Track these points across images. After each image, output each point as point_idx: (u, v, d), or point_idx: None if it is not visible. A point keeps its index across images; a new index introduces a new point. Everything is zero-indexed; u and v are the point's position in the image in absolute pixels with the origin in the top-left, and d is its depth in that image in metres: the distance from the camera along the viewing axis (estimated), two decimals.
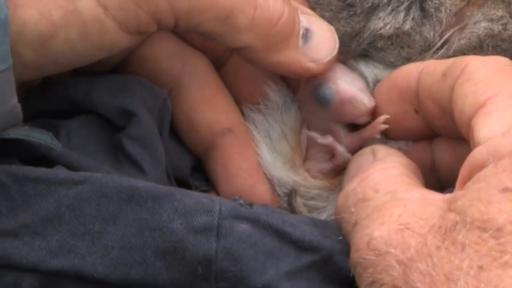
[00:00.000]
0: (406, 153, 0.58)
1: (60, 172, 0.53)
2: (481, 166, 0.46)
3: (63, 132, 0.59)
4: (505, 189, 0.44)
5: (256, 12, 0.56)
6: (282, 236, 0.52)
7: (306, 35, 0.59)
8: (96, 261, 0.50)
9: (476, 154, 0.46)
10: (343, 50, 0.61)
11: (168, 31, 0.59)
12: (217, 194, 0.62)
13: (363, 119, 0.60)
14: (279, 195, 0.63)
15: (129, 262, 0.50)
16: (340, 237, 0.52)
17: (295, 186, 0.62)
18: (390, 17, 0.60)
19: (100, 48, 0.55)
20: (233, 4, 0.55)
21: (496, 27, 0.59)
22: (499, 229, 0.42)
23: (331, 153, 0.62)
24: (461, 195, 0.45)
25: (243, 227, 0.51)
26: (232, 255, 0.50)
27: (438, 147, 0.58)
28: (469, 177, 0.46)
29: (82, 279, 0.51)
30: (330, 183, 0.62)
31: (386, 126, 0.59)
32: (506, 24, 0.59)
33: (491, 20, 0.59)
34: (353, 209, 0.50)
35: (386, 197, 0.49)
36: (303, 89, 0.61)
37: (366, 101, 0.60)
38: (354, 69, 0.62)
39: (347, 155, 0.61)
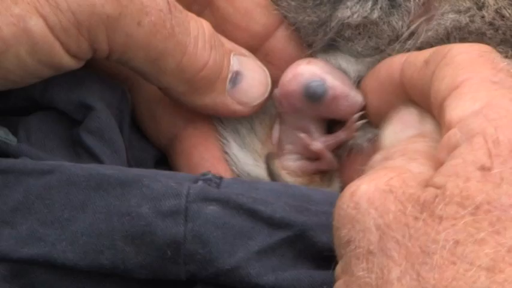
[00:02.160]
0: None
1: (28, 162, 0.55)
2: (455, 148, 0.48)
3: (22, 129, 0.61)
4: (483, 168, 0.46)
5: (184, 59, 0.60)
6: (252, 214, 0.54)
7: (236, 78, 0.62)
8: (66, 249, 0.52)
9: (451, 136, 0.48)
10: (310, 40, 0.63)
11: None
12: None
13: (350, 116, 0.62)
14: None
15: (99, 248, 0.52)
16: None
17: (269, 153, 0.64)
18: (358, 6, 0.61)
19: (49, 66, 0.58)
20: (165, 48, 0.59)
21: (464, 19, 0.60)
22: (476, 207, 0.45)
23: (306, 147, 0.63)
24: (438, 172, 0.47)
25: (212, 209, 0.53)
26: (200, 238, 0.52)
27: None
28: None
29: (52, 266, 0.53)
30: (307, 181, 0.64)
31: (362, 121, 0.61)
32: (473, 16, 0.60)
33: (459, 12, 0.60)
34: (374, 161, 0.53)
35: (398, 161, 0.51)
36: (289, 84, 0.62)
37: (359, 98, 0.62)
38: (336, 66, 0.63)
39: (335, 162, 0.63)
